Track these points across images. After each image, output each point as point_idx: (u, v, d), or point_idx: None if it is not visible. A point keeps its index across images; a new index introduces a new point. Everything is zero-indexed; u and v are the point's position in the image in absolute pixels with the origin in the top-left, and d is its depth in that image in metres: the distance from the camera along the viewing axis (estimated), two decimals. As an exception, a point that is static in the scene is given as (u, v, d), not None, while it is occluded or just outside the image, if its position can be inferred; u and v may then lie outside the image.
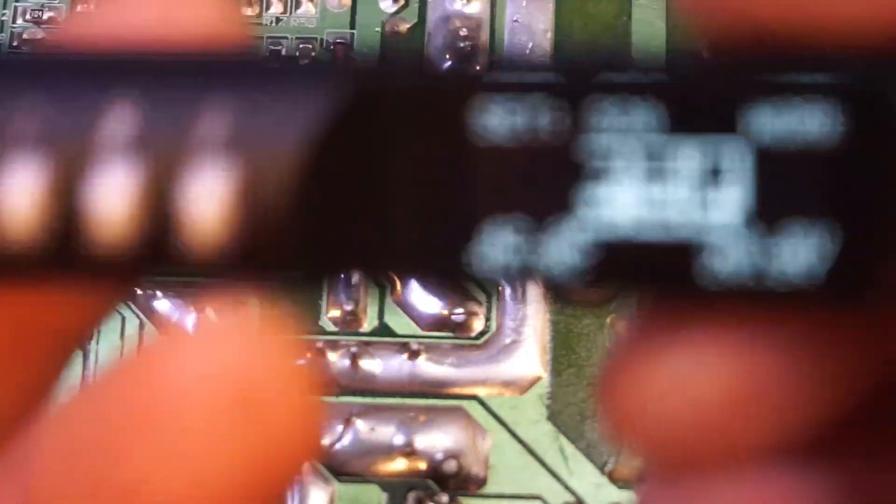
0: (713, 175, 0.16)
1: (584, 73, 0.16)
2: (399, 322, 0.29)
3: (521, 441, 0.28)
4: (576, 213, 0.16)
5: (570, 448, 0.28)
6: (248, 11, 0.31)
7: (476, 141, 0.17)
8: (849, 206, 0.15)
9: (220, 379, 0.15)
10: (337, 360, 0.28)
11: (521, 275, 0.16)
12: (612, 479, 0.27)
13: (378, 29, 0.31)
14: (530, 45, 0.31)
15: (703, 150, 0.16)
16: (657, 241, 0.16)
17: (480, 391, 0.28)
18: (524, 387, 0.28)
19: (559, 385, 0.28)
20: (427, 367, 0.28)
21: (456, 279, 0.17)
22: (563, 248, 0.16)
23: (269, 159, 0.16)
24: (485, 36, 0.31)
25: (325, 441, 0.28)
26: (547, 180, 0.16)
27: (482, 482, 0.27)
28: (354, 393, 0.28)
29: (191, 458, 0.15)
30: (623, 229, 0.16)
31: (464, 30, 0.31)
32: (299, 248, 0.17)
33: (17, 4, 0.31)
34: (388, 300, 0.29)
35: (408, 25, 0.31)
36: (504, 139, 0.16)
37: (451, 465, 0.27)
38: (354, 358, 0.28)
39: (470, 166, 0.17)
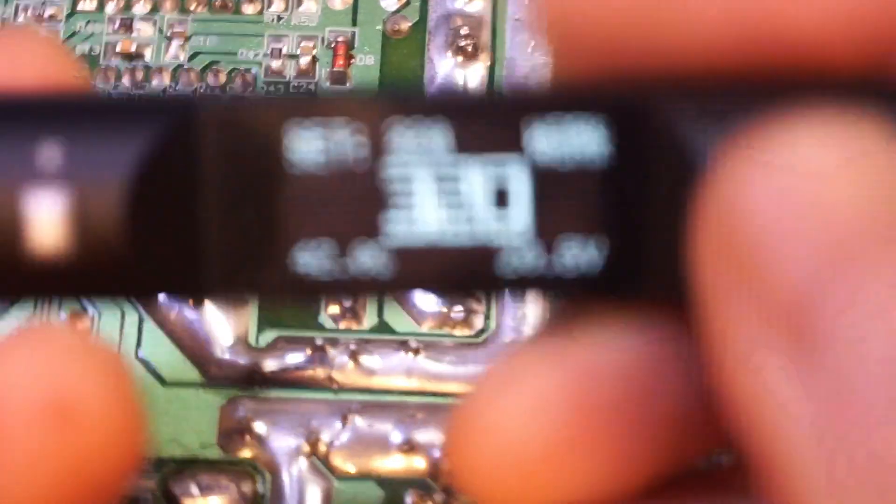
0: (500, 191, 0.18)
1: (382, 99, 0.18)
2: (398, 319, 0.29)
3: (519, 439, 0.28)
4: (382, 229, 0.18)
5: (568, 446, 0.28)
6: (249, 9, 0.31)
7: (286, 167, 0.18)
8: (620, 215, 0.18)
9: (35, 387, 0.15)
10: (336, 356, 0.28)
11: (334, 289, 0.18)
12: (611, 477, 0.27)
13: (379, 27, 0.31)
14: (532, 44, 0.31)
15: (490, 168, 0.18)
16: (457, 246, 0.18)
17: (479, 389, 0.28)
18: (523, 385, 0.28)
19: (558, 383, 0.28)
20: (426, 364, 0.28)
21: (272, 298, 0.20)
22: (374, 261, 0.18)
23: (98, 187, 0.18)
24: (486, 34, 0.31)
25: (324, 438, 0.28)
26: (354, 202, 0.18)
27: (480, 480, 0.27)
28: (353, 390, 0.28)
29: (7, 467, 0.15)
30: (425, 239, 0.18)
31: (465, 28, 0.31)
32: (126, 270, 0.18)
33: (19, 2, 0.31)
34: (389, 297, 0.29)
35: (409, 24, 0.31)
36: (312, 165, 0.18)
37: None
38: (353, 355, 0.28)
39: (281, 192, 0.18)
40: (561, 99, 0.18)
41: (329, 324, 0.28)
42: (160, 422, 0.28)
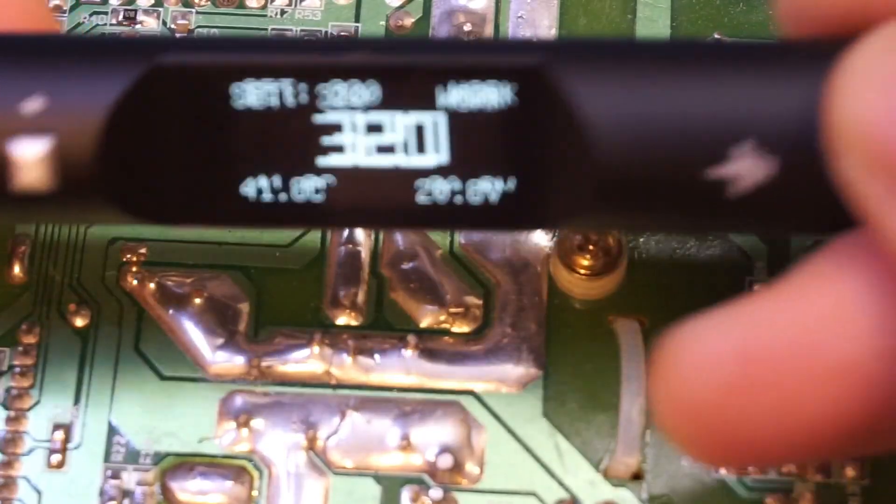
0: (420, 137, 0.22)
1: (319, 58, 0.22)
2: (397, 316, 0.29)
3: (516, 437, 0.28)
4: (318, 166, 0.22)
5: (565, 445, 0.28)
6: (253, 3, 0.31)
7: (236, 112, 0.22)
8: (521, 158, 0.22)
9: None
10: (335, 352, 0.28)
11: (276, 217, 0.22)
12: (607, 476, 0.27)
13: (382, 22, 0.31)
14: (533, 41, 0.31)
15: (412, 118, 0.22)
16: (383, 180, 0.22)
17: (477, 386, 0.28)
18: (521, 383, 0.28)
19: (556, 382, 0.28)
20: (424, 361, 0.28)
21: (223, 225, 0.23)
22: (310, 193, 0.22)
23: (76, 122, 0.22)
24: (489, 31, 0.31)
25: (322, 433, 0.28)
26: (293, 142, 0.22)
27: (477, 477, 0.27)
28: (351, 386, 0.28)
29: None
30: (354, 173, 0.22)
31: (468, 25, 0.31)
32: (100, 197, 0.22)
33: (23, -8, 0.31)
34: (387, 293, 0.29)
35: (412, 20, 0.31)
36: (259, 112, 0.22)
37: (446, 460, 0.27)
38: (352, 351, 0.28)
39: (231, 132, 0.22)
40: (473, 66, 0.22)
41: (328, 319, 0.29)
42: (158, 416, 0.28)
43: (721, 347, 0.20)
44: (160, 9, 0.31)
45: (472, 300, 0.29)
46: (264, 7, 0.31)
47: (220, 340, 0.28)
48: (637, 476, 0.27)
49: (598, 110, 0.21)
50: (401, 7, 0.31)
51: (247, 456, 0.28)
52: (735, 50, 0.22)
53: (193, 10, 0.31)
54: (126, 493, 0.27)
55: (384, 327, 0.29)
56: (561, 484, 0.27)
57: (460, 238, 0.29)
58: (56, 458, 0.28)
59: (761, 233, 0.27)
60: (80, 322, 0.29)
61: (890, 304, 0.20)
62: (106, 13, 0.31)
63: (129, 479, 0.28)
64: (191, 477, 0.27)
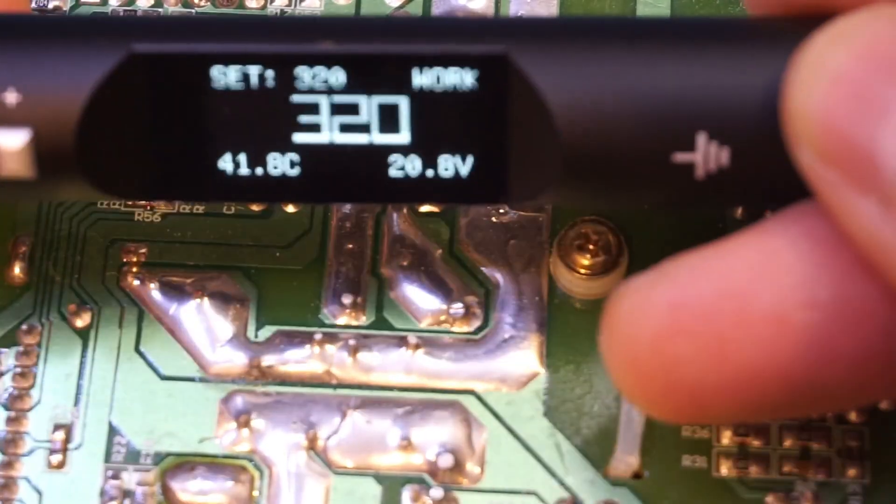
0: (390, 117, 0.23)
1: (292, 46, 0.23)
2: (397, 315, 0.29)
3: (517, 437, 0.28)
4: (291, 144, 0.23)
5: (565, 444, 0.28)
6: (253, 3, 0.31)
7: (213, 92, 0.23)
8: (485, 137, 0.23)
9: None
10: (335, 352, 0.28)
11: (251, 189, 0.23)
12: (607, 476, 0.27)
13: (382, 23, 0.31)
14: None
15: (384, 100, 0.23)
16: (355, 156, 0.23)
17: (477, 386, 0.28)
18: (521, 382, 0.28)
19: (556, 381, 0.28)
20: (425, 361, 0.28)
21: (201, 200, 0.25)
22: (284, 169, 0.23)
23: (52, 114, 0.22)
24: (488, 32, 0.31)
25: (322, 433, 0.28)
26: (268, 122, 0.23)
27: (477, 477, 0.27)
28: (352, 386, 0.28)
29: None
30: (328, 149, 0.23)
31: (467, 25, 0.30)
32: (79, 180, 0.23)
33: (23, -8, 0.31)
34: (387, 293, 0.29)
35: (412, 20, 0.31)
36: (235, 95, 0.23)
37: (446, 460, 0.27)
38: (353, 351, 0.28)
39: (208, 112, 0.23)
40: (438, 54, 0.22)
41: (328, 319, 0.29)
42: (158, 416, 0.28)
43: (653, 297, 0.22)
44: (160, 9, 0.31)
45: (472, 300, 0.29)
46: (264, 7, 0.31)
47: (221, 340, 0.28)
48: (637, 475, 0.27)
49: (560, 93, 0.22)
50: (400, 7, 0.31)
51: (247, 456, 0.28)
52: (699, 31, 0.23)
53: (193, 12, 0.31)
54: (127, 494, 0.27)
55: (384, 327, 0.29)
56: (561, 483, 0.27)
57: (460, 237, 0.29)
58: (56, 458, 0.28)
59: (727, 207, 0.28)
60: (80, 322, 0.29)
61: (824, 262, 0.21)
62: (106, 14, 0.31)
63: (130, 479, 0.28)
64: (191, 477, 0.27)
